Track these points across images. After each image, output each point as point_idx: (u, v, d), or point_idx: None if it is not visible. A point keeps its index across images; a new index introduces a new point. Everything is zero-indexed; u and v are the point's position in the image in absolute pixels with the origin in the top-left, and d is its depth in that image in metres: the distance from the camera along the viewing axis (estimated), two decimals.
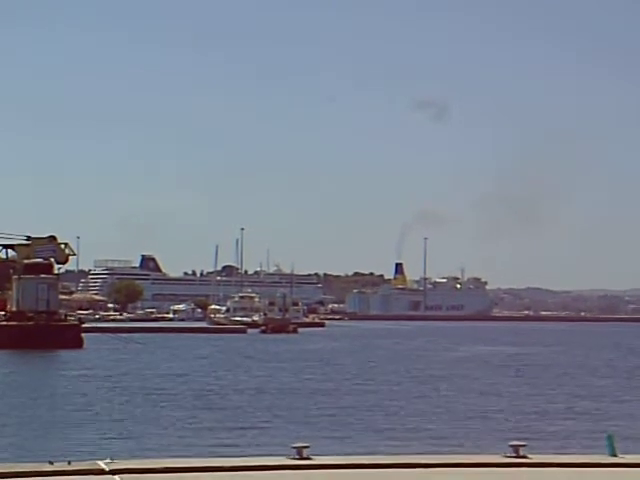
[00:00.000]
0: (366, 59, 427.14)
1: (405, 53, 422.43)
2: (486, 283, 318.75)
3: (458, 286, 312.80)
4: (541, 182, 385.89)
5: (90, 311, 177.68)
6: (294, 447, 13.80)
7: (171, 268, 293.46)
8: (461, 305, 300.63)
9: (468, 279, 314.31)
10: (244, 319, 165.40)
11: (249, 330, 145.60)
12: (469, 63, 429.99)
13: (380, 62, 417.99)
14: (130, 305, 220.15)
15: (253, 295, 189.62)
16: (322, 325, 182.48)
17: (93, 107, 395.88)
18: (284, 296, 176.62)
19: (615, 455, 12.35)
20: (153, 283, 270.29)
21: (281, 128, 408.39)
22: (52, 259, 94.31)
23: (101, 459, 10.03)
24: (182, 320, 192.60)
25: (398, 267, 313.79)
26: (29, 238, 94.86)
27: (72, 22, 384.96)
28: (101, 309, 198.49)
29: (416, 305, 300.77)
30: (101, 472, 9.76)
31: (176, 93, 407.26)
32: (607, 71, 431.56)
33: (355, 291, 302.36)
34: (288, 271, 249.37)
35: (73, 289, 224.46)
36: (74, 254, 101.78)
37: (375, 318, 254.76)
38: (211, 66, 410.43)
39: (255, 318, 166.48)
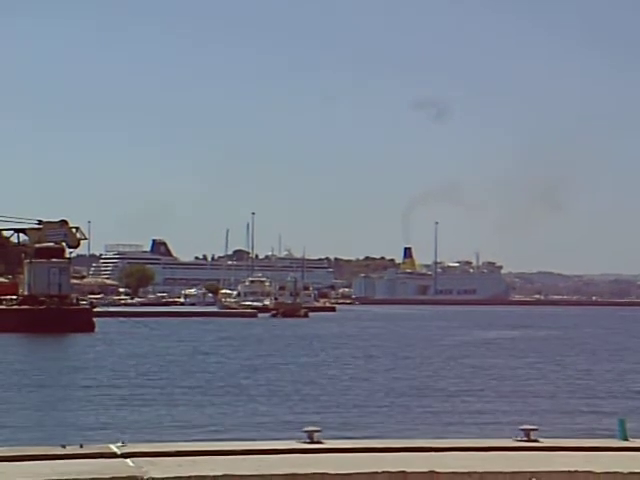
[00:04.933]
0: (366, 56, 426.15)
1: (405, 49, 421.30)
2: (501, 267, 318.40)
3: (471, 270, 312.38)
4: (553, 168, 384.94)
5: (101, 295, 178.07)
6: (305, 431, 13.81)
7: (182, 252, 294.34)
8: (473, 289, 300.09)
9: (483, 263, 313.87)
10: (255, 303, 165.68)
11: (260, 314, 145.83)
12: (472, 57, 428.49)
13: (380, 58, 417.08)
14: (141, 289, 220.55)
15: (264, 279, 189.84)
16: (333, 309, 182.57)
17: (96, 96, 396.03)
18: (295, 280, 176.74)
19: (627, 439, 12.33)
20: (164, 267, 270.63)
21: (291, 114, 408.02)
22: (63, 243, 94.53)
23: (113, 442, 10.07)
24: (193, 304, 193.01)
25: (407, 251, 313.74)
26: (40, 222, 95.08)
27: (72, 10, 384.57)
28: (112, 293, 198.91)
29: (424, 289, 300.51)
30: (113, 455, 9.78)
31: (181, 83, 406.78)
32: (610, 59, 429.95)
33: (362, 275, 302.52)
34: (299, 255, 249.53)
35: (84, 273, 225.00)
36: (85, 238, 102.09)
37: (385, 302, 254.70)
38: (212, 55, 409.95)
39: (266, 302, 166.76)
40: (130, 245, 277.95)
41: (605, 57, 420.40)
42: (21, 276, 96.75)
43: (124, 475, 8.89)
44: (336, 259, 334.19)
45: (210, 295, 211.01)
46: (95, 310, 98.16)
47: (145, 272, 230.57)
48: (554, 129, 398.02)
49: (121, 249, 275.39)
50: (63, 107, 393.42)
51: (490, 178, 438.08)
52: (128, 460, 9.49)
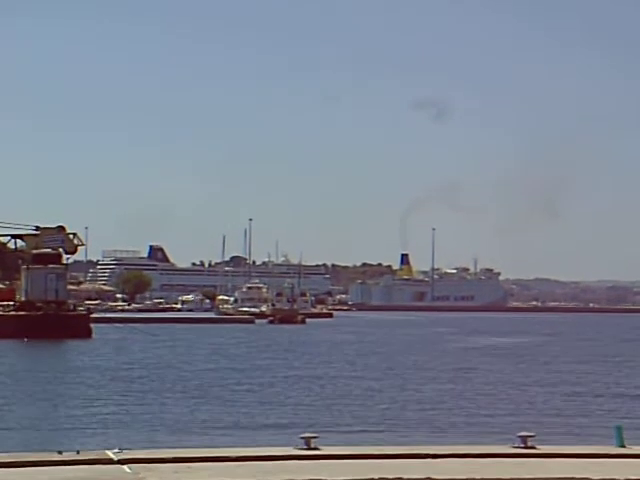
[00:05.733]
0: (366, 56, 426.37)
1: (405, 49, 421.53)
2: (499, 274, 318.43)
3: (468, 277, 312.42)
4: (551, 171, 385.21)
5: (98, 301, 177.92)
6: (302, 437, 13.78)
7: (179, 258, 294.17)
8: (471, 296, 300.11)
9: (480, 270, 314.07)
10: (252, 309, 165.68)
11: (257, 321, 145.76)
12: (472, 57, 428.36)
13: (380, 58, 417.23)
14: (138, 295, 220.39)
15: (261, 286, 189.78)
16: (330, 316, 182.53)
17: (95, 96, 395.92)
18: (292, 287, 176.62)
19: (623, 446, 12.34)
20: (161, 273, 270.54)
21: (291, 114, 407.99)
22: (61, 249, 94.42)
23: (110, 449, 10.05)
24: (190, 310, 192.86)
25: (404, 258, 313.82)
26: (38, 228, 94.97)
27: (72, 10, 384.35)
28: (109, 299, 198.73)
29: (421, 296, 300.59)
30: (110, 462, 9.78)
31: (181, 83, 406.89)
32: (610, 59, 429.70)
33: (358, 282, 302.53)
34: (296, 262, 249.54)
35: (81, 279, 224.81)
36: (82, 244, 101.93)
37: (382, 309, 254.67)
38: (212, 55, 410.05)
39: (263, 309, 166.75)
40: (127, 251, 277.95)
41: (605, 57, 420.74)
42: (18, 282, 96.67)
43: None
44: (333, 265, 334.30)
45: (207, 301, 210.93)
46: (92, 316, 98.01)
47: (142, 278, 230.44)
48: (554, 129, 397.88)
49: (118, 255, 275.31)
50: (63, 107, 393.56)
51: (489, 180, 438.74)
52: (125, 466, 9.50)
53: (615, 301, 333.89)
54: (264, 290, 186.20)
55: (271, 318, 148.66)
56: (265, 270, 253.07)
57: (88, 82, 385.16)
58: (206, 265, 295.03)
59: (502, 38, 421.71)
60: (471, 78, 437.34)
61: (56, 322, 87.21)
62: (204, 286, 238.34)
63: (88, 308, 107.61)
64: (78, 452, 10.22)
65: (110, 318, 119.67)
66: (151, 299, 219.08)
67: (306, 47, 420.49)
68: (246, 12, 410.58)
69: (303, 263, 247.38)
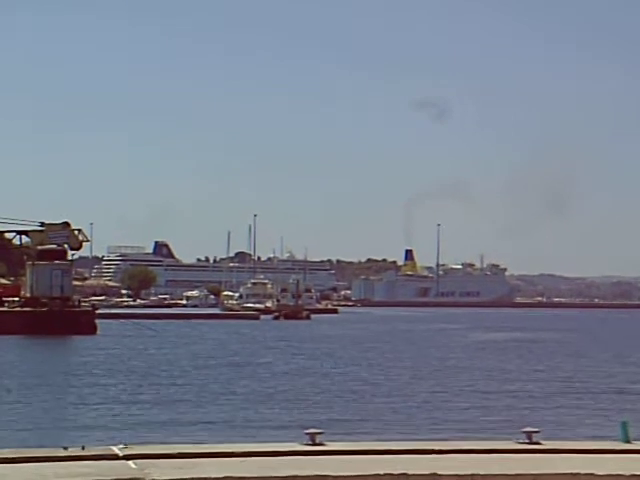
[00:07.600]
0: (366, 56, 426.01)
1: (405, 49, 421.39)
2: (505, 270, 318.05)
3: (473, 272, 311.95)
4: (554, 170, 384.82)
5: (103, 297, 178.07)
6: (307, 433, 13.80)
7: (184, 254, 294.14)
8: (477, 292, 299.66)
9: (487, 265, 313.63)
10: (257, 305, 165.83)
11: (262, 316, 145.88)
12: (472, 57, 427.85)
13: (380, 58, 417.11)
14: (143, 291, 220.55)
15: (266, 281, 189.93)
16: (335, 312, 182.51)
17: (95, 96, 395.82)
18: (297, 282, 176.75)
19: (629, 442, 12.33)
20: (166, 269, 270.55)
21: (289, 117, 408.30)
22: (66, 245, 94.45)
23: (115, 444, 10.07)
24: (195, 306, 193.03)
25: (408, 253, 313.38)
26: (43, 224, 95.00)
27: (72, 9, 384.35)
28: (114, 295, 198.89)
29: (425, 291, 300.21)
30: (115, 457, 9.78)
31: (181, 83, 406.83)
32: (608, 60, 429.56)
33: (361, 277, 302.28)
34: (301, 257, 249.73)
35: (87, 275, 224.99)
36: (88, 240, 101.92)
37: (386, 304, 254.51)
38: (212, 55, 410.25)
39: (268, 304, 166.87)
40: (132, 247, 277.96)
41: (607, 58, 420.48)
42: (23, 278, 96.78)
43: (126, 477, 8.91)
44: (338, 261, 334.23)
45: (212, 297, 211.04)
46: (97, 312, 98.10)
47: (147, 274, 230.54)
48: (556, 127, 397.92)
49: (123, 251, 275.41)
50: (63, 107, 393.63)
51: (491, 179, 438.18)
52: (130, 462, 9.50)
53: (620, 296, 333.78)
54: (269, 286, 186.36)
55: (276, 314, 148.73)
56: (270, 266, 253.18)
57: (88, 82, 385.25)
58: (211, 261, 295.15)
59: (502, 38, 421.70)
60: (471, 78, 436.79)
61: (61, 318, 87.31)
62: (209, 282, 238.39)
63: (93, 304, 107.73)
64: (83, 448, 10.23)
65: (115, 314, 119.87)
66: (156, 295, 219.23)
67: (306, 47, 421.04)
68: (246, 12, 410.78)
69: (308, 259, 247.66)
